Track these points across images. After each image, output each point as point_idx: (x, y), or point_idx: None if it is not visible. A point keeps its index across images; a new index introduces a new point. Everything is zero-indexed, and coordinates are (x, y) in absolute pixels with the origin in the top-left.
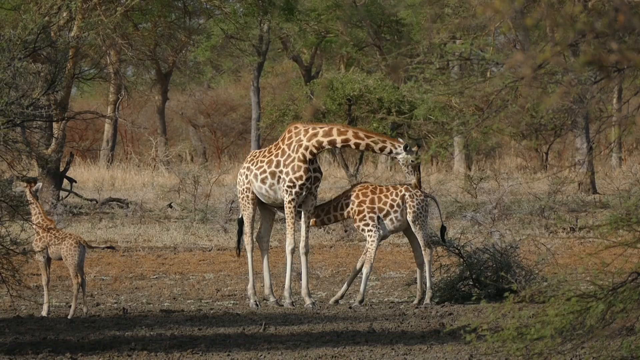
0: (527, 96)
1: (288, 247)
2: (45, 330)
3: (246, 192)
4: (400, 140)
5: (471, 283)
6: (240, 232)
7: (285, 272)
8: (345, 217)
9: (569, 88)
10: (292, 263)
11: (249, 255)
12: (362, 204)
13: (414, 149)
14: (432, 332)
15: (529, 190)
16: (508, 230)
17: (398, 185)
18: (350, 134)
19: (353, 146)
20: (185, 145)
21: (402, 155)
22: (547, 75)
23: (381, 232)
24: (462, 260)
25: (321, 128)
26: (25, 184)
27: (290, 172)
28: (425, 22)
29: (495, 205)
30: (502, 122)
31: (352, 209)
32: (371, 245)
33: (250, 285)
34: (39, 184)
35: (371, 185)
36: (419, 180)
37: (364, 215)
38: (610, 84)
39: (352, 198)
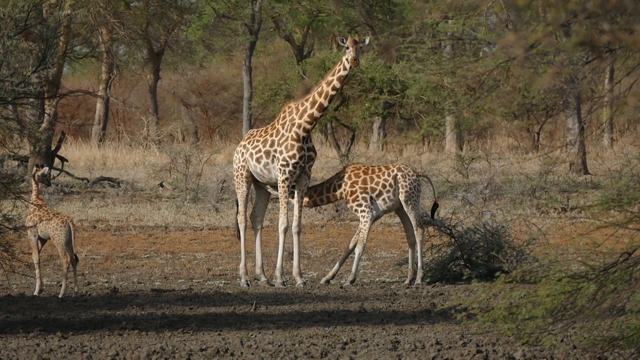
0: (519, 76)
1: (281, 227)
2: (36, 309)
3: (241, 170)
4: (345, 55)
5: (462, 263)
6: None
7: (277, 252)
8: (338, 198)
9: (560, 68)
10: (284, 243)
11: (241, 234)
12: (354, 185)
13: (346, 41)
14: (423, 312)
15: (521, 170)
16: (499, 210)
17: (390, 165)
18: (325, 87)
19: (334, 92)
20: (177, 125)
21: (351, 51)
22: (539, 56)
23: (374, 212)
24: (453, 240)
25: (307, 100)
26: (35, 168)
27: (284, 151)
28: (417, 2)
29: (486, 185)
30: (493, 102)
31: (344, 189)
32: (364, 225)
33: (241, 265)
34: (45, 169)
35: (363, 166)
36: (353, 56)
37: (357, 196)
38: (602, 65)
39: (345, 179)
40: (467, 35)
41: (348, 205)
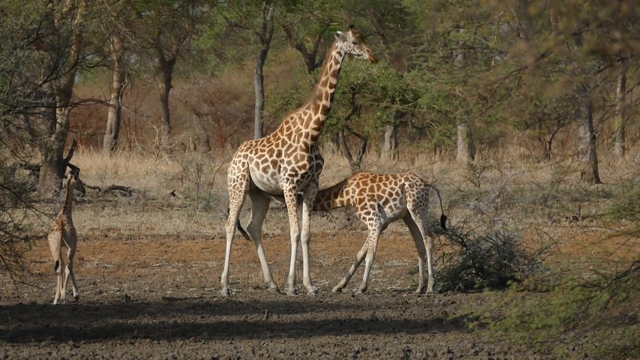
0: (531, 85)
1: (293, 235)
2: (47, 317)
3: (240, 179)
4: (335, 46)
5: (474, 272)
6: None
7: (290, 260)
8: (345, 204)
9: (572, 77)
10: (296, 251)
11: (228, 243)
12: (362, 193)
13: (347, 32)
14: (434, 321)
15: (532, 179)
16: (511, 219)
17: (398, 174)
18: (322, 88)
19: (333, 89)
20: (189, 133)
21: (345, 44)
22: (551, 64)
23: (382, 220)
24: (465, 248)
25: (308, 108)
26: (69, 175)
27: (293, 161)
28: (429, 11)
29: (498, 194)
30: (505, 111)
31: (352, 197)
32: (373, 234)
33: (224, 274)
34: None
35: (371, 174)
36: (370, 52)
37: (365, 204)
38: (613, 73)
39: (353, 186)
40: (478, 44)
41: (356, 213)
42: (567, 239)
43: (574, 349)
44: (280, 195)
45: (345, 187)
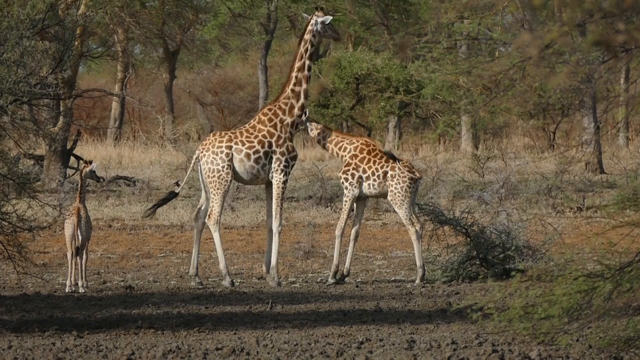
0: (535, 76)
1: (277, 228)
2: (51, 308)
3: (226, 169)
4: (311, 30)
5: (478, 262)
6: (165, 201)
7: (270, 251)
8: (332, 153)
9: (576, 68)
10: (279, 243)
11: (216, 235)
12: (353, 158)
13: (318, 13)
14: (438, 311)
15: (536, 169)
16: (515, 210)
17: (392, 160)
18: (299, 74)
19: (309, 73)
20: (193, 124)
21: (321, 27)
22: (555, 55)
23: (356, 191)
24: (469, 239)
25: (287, 98)
26: (83, 165)
27: (286, 152)
28: (433, 1)
29: (502, 184)
30: (509, 102)
31: (344, 157)
32: (345, 204)
33: (222, 266)
34: (94, 165)
35: (373, 147)
36: (336, 33)
37: (348, 169)
38: (617, 64)
39: (351, 148)
40: (482, 35)
41: (339, 174)
42: (571, 229)
43: (577, 340)
44: (258, 184)
45: (348, 143)
